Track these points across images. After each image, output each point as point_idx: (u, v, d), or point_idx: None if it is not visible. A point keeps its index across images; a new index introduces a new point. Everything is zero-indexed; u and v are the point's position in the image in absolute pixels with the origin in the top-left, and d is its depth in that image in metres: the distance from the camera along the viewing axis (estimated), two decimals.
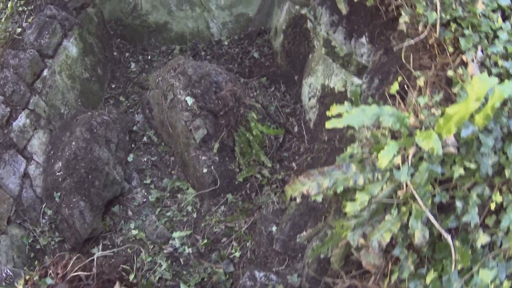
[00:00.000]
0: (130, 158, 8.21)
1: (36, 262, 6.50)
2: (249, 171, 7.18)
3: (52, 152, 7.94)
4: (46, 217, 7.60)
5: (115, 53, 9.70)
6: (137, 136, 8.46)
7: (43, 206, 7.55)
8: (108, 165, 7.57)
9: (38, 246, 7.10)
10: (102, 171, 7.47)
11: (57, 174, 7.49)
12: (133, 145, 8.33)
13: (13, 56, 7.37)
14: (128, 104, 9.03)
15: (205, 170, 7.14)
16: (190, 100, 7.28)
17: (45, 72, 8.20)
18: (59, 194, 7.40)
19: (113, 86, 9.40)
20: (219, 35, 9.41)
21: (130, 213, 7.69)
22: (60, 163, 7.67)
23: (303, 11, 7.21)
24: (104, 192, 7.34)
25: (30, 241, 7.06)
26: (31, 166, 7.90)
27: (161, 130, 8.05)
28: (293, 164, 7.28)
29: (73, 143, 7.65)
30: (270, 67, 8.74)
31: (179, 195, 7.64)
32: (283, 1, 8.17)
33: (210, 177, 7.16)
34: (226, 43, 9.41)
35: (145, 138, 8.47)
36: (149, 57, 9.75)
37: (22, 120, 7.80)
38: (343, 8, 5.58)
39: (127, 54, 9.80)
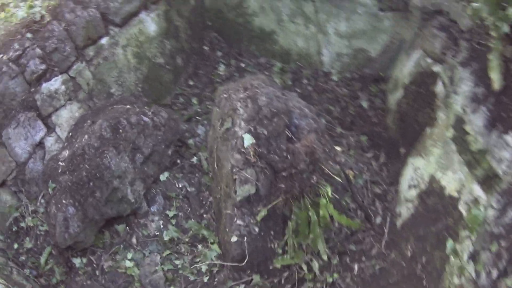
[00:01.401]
0: (164, 177, 6.29)
1: (15, 241, 5.72)
2: (294, 258, 4.98)
3: (71, 134, 6.23)
4: (45, 199, 5.92)
5: (205, 47, 7.95)
6: (187, 152, 6.61)
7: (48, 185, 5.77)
8: (121, 179, 5.75)
9: (23, 224, 5.81)
10: (108, 184, 5.68)
11: (59, 163, 5.93)
12: (178, 161, 6.49)
13: (70, 10, 6.03)
14: (198, 110, 7.20)
15: (234, 239, 5.02)
16: (248, 140, 5.00)
17: (104, 40, 6.52)
18: (54, 186, 5.78)
19: (190, 83, 7.63)
20: (330, 67, 7.26)
21: (134, 240, 5.90)
22: (67, 152, 5.94)
23: (436, 68, 5.33)
24: (105, 207, 5.67)
25: (16, 214, 5.80)
26: (50, 137, 6.25)
27: (210, 159, 5.89)
28: (355, 266, 5.04)
29: (86, 136, 5.87)
30: (376, 125, 6.63)
31: (199, 246, 5.76)
32: (414, 47, 6.00)
33: (237, 250, 5.04)
34: (335, 78, 7.23)
35: (194, 159, 6.57)
36: (242, 65, 7.78)
37: (55, 84, 6.20)
38: (496, 80, 3.71)
39: (219, 53, 7.96)
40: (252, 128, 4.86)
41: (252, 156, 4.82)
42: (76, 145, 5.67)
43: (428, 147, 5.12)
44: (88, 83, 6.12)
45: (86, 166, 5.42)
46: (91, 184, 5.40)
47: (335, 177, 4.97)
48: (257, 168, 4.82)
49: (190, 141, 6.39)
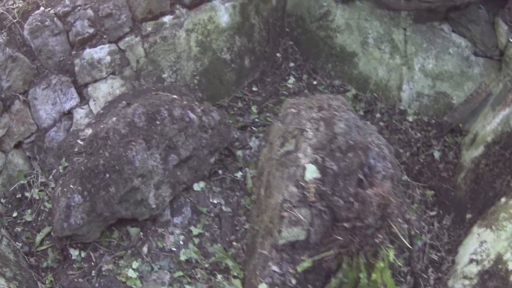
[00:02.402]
0: (198, 186, 5.16)
1: (15, 209, 4.88)
2: None
3: (102, 112, 5.20)
4: (54, 177, 5.02)
5: (278, 54, 6.83)
6: (232, 164, 5.50)
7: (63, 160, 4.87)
8: (144, 179, 4.66)
9: (28, 194, 4.92)
10: (127, 181, 4.59)
11: (78, 141, 4.89)
12: (219, 171, 5.40)
13: None
14: (255, 120, 6.12)
15: (263, 286, 3.79)
16: (312, 173, 3.74)
17: (166, 19, 5.49)
18: (66, 165, 4.74)
19: (253, 88, 6.56)
20: (407, 105, 6.18)
21: (145, 249, 4.76)
22: (89, 131, 4.91)
23: None
24: (118, 206, 4.59)
25: (24, 182, 4.90)
26: (81, 109, 5.29)
27: (257, 181, 4.68)
28: None
29: (114, 119, 4.80)
30: (445, 181, 5.45)
31: (219, 277, 4.52)
32: (504, 103, 4.95)
33: None
34: (410, 119, 6.13)
35: (239, 174, 5.43)
36: (314, 82, 6.67)
37: (101, 53, 5.19)
38: None
39: (291, 64, 6.83)
40: (319, 159, 3.80)
41: (311, 194, 3.69)
42: (101, 126, 4.83)
43: (500, 220, 4.22)
44: (138, 60, 5.36)
45: (106, 153, 4.58)
46: (107, 175, 4.50)
47: (402, 238, 3.95)
48: (314, 209, 3.70)
49: (239, 153, 5.47)
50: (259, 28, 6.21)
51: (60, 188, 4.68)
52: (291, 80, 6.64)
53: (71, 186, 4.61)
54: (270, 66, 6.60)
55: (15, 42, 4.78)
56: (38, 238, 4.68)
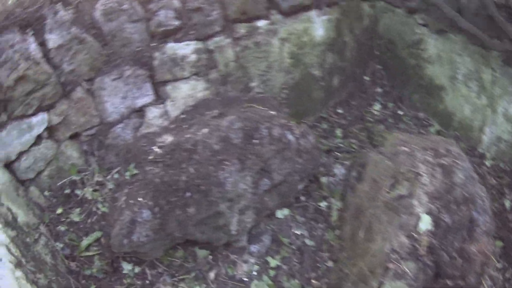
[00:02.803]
0: (282, 214, 4.20)
1: (60, 205, 4.05)
2: None
3: (183, 117, 4.27)
4: (117, 181, 4.19)
5: (366, 77, 5.89)
6: (316, 191, 4.48)
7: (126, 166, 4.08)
8: (231, 203, 3.78)
9: (79, 192, 4.13)
10: (212, 204, 3.74)
11: (155, 148, 3.95)
12: (301, 198, 4.39)
13: None
14: (339, 145, 5.17)
15: None
16: (426, 224, 3.14)
17: (261, 23, 4.59)
18: (135, 172, 3.94)
19: (339, 110, 5.58)
20: (486, 149, 5.37)
21: (211, 275, 3.91)
22: (170, 138, 3.99)
23: None
24: (194, 228, 3.82)
25: (76, 178, 4.15)
26: (155, 108, 4.36)
27: (350, 218, 3.93)
28: None
29: (206, 130, 3.86)
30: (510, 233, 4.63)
31: None
32: None
33: None
34: (488, 163, 5.32)
35: (323, 204, 4.42)
36: (400, 112, 5.78)
37: (185, 49, 4.32)
38: None
39: (378, 89, 5.94)
40: (435, 209, 3.31)
41: (423, 247, 3.23)
42: (187, 136, 3.98)
43: None
44: (227, 64, 4.58)
45: (191, 169, 3.78)
46: (188, 194, 3.75)
47: None
48: (420, 263, 3.22)
49: (323, 179, 4.62)
50: (351, 46, 5.34)
51: (124, 198, 3.78)
52: (377, 106, 5.89)
53: (140, 199, 3.72)
54: (357, 89, 5.93)
55: (83, 22, 4.07)
56: (85, 242, 3.94)
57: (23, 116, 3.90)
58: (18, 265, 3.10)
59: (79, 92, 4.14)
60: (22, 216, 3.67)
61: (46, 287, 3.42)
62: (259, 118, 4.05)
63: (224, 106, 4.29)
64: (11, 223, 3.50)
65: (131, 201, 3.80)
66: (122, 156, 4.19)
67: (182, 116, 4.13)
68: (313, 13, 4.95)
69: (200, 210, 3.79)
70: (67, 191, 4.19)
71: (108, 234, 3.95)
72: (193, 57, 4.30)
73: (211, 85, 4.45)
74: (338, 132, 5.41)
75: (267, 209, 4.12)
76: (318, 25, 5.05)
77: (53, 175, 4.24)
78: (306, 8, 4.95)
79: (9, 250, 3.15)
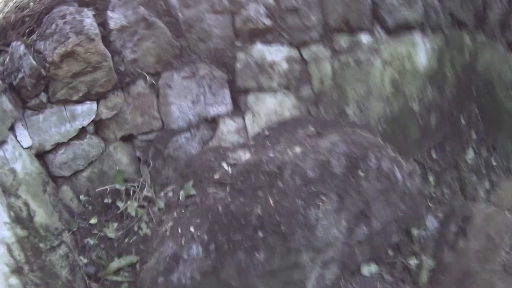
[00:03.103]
0: (367, 270, 3.23)
1: (95, 214, 3.30)
2: None
3: (267, 134, 3.30)
4: (169, 200, 3.28)
5: (462, 120, 4.73)
6: (406, 246, 3.51)
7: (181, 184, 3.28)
8: (316, 254, 2.79)
9: (120, 205, 3.29)
10: (291, 252, 2.74)
11: (224, 165, 2.95)
12: (389, 252, 3.42)
13: None
14: (433, 195, 4.08)
15: None
16: None
17: (364, 38, 3.66)
18: (192, 193, 2.95)
19: (433, 155, 4.33)
20: None
21: None
22: (246, 156, 3.02)
23: None
24: (258, 279, 2.71)
25: (121, 187, 3.31)
26: (231, 121, 3.41)
27: (445, 279, 3.06)
28: None
29: (298, 150, 2.88)
30: None
31: None
32: None
33: None
34: None
35: (412, 261, 3.48)
36: (493, 163, 4.68)
37: (276, 55, 3.42)
38: None
39: (473, 135, 4.78)
40: None
41: None
42: (271, 154, 2.97)
43: None
44: (322, 80, 3.61)
45: (271, 200, 2.72)
46: (261, 235, 2.72)
47: None
48: None
49: (415, 232, 3.67)
50: (451, 82, 4.65)
51: (171, 224, 2.88)
52: (471, 154, 4.97)
53: (192, 229, 2.80)
54: (453, 132, 4.92)
55: (154, 4, 3.35)
56: (115, 264, 3.17)
57: (67, 102, 3.31)
58: (16, 271, 2.56)
59: (140, 87, 3.50)
60: (42, 216, 3.06)
61: None
62: (368, 144, 3.03)
63: (322, 126, 3.24)
64: (23, 221, 2.91)
65: (179, 230, 2.84)
66: (180, 169, 3.35)
67: (266, 133, 3.21)
68: (418, 37, 4.20)
69: (273, 258, 2.78)
70: (107, 200, 3.47)
71: (144, 263, 3.04)
72: (284, 65, 3.40)
73: (301, 104, 3.58)
74: (432, 179, 4.49)
75: (354, 264, 3.34)
76: (422, 53, 4.26)
77: (93, 179, 3.55)
78: (410, 29, 4.06)
79: (10, 251, 2.62)
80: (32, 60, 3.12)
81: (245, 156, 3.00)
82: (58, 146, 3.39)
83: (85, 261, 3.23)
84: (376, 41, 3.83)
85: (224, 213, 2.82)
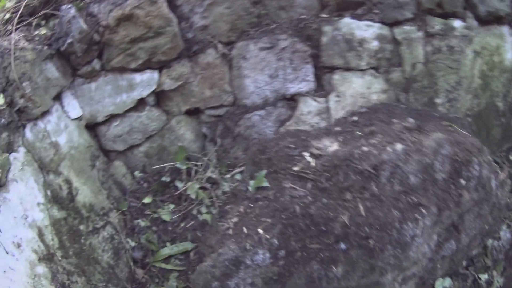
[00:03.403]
0: (441, 285, 2.55)
1: (150, 193, 2.87)
2: None
3: (355, 119, 2.59)
4: (239, 178, 2.77)
5: None
6: (479, 258, 2.86)
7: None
8: (400, 272, 2.14)
9: (179, 185, 2.83)
10: (374, 269, 2.08)
11: (305, 155, 2.28)
12: (464, 265, 2.85)
13: None
14: (508, 201, 2.95)
15: None
16: None
17: (457, 23, 2.98)
18: (263, 183, 2.33)
19: (510, 157, 3.58)
20: None
21: None
22: (331, 145, 2.30)
23: None
24: None
25: (182, 167, 2.84)
26: (313, 101, 2.80)
27: None
28: None
29: (399, 147, 2.18)
30: None
31: None
32: None
33: None
34: None
35: (483, 277, 2.85)
36: None
37: (366, 31, 2.81)
38: None
39: None
40: None
41: None
42: (364, 148, 2.25)
43: None
44: (414, 65, 2.93)
45: (361, 206, 2.05)
46: (343, 246, 2.08)
47: None
48: None
49: (489, 242, 3.00)
50: None
51: (235, 220, 2.24)
52: None
53: (260, 230, 2.12)
54: None
55: None
56: (166, 250, 2.68)
57: (123, 70, 2.77)
58: (45, 258, 2.11)
59: (210, 56, 2.88)
60: (86, 195, 2.60)
61: None
62: (470, 147, 2.34)
63: (419, 118, 2.58)
64: (62, 200, 2.44)
65: (245, 229, 2.17)
66: (251, 154, 2.61)
67: (353, 118, 2.55)
68: (505, 29, 3.37)
69: (353, 274, 2.10)
70: (165, 179, 2.90)
71: (200, 253, 2.48)
72: (374, 44, 2.78)
73: (390, 88, 2.90)
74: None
75: (431, 279, 2.60)
76: (509, 47, 3.46)
77: (152, 154, 3.00)
78: (499, 20, 3.29)
79: (41, 235, 2.17)
80: (82, 23, 2.58)
81: (332, 146, 2.28)
82: (112, 117, 2.88)
83: (133, 244, 2.72)
84: (468, 28, 3.05)
85: (302, 216, 2.14)
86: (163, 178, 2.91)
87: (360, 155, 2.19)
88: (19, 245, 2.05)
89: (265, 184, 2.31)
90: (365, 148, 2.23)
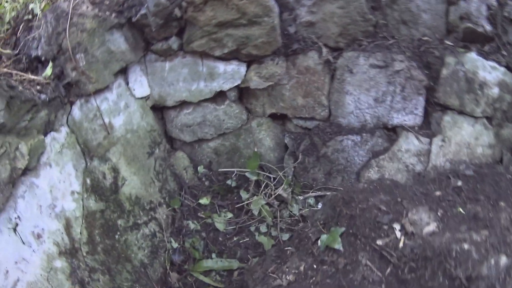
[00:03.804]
0: None
1: (207, 195, 2.55)
2: None
3: (458, 184, 2.00)
4: (311, 202, 2.44)
5: None
6: None
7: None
8: None
9: (243, 194, 2.54)
10: None
11: (394, 227, 1.70)
12: None
13: None
14: None
15: None
16: None
17: None
18: (336, 244, 1.80)
19: None
20: None
21: None
22: (431, 226, 1.68)
23: None
24: None
25: (252, 176, 2.49)
26: (414, 138, 2.36)
27: None
28: None
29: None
30: None
31: None
32: None
33: None
34: None
35: None
36: None
37: (489, 73, 2.28)
38: None
39: None
40: None
41: None
42: (464, 246, 1.66)
43: None
44: None
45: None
46: None
47: None
48: None
49: None
50: None
51: (290, 278, 1.76)
52: None
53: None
54: None
55: None
56: (209, 263, 2.34)
57: (205, 55, 2.28)
58: (67, 252, 1.81)
59: (311, 60, 2.28)
60: (134, 186, 2.21)
61: None
62: None
63: None
64: (102, 191, 2.05)
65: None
66: (334, 200, 1.99)
67: (458, 183, 2.09)
68: None
69: None
70: (231, 183, 2.50)
71: (243, 280, 2.14)
72: (494, 90, 2.34)
73: (497, 144, 2.36)
74: None
75: None
76: None
77: (221, 153, 2.54)
78: None
79: (67, 227, 1.84)
80: None
81: (428, 225, 1.75)
82: (184, 104, 2.40)
83: (175, 245, 2.31)
84: None
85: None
86: (228, 182, 2.48)
87: (458, 254, 1.79)
88: (39, 236, 1.70)
89: (338, 246, 1.78)
90: (466, 246, 1.81)
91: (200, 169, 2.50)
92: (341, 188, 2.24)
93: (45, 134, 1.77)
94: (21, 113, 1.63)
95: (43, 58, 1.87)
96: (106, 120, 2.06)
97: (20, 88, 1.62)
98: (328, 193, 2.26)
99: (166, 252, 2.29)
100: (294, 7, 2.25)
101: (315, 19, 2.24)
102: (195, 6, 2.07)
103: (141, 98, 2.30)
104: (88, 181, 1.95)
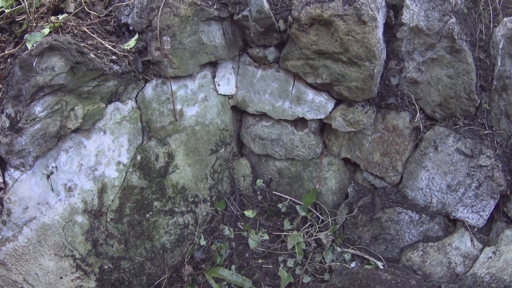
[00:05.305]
0: None
1: (255, 210, 2.62)
2: None
3: None
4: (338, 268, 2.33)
5: None
6: None
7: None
8: None
9: (287, 225, 2.53)
10: None
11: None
12: None
13: None
14: None
15: None
16: None
17: None
18: None
19: None
20: None
21: None
22: None
23: None
24: None
25: (303, 213, 2.49)
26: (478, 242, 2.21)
27: None
28: None
29: None
30: None
31: None
32: None
33: None
34: None
35: None
36: None
37: None
38: None
39: None
40: None
41: None
42: None
43: None
44: None
45: None
46: None
47: None
48: None
49: None
50: None
51: None
52: None
53: None
54: None
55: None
56: (226, 272, 2.43)
57: (298, 77, 2.23)
58: (92, 213, 1.92)
59: (401, 121, 2.18)
60: (184, 176, 2.25)
61: None
62: None
63: None
64: (149, 171, 2.10)
65: None
66: (353, 276, 1.97)
67: None
68: None
69: None
70: (281, 207, 2.52)
71: None
72: None
73: None
74: None
75: None
76: None
77: (284, 175, 2.56)
78: None
79: (101, 191, 1.92)
80: (264, 2, 1.95)
81: None
82: (264, 115, 2.35)
83: (203, 243, 2.35)
84: None
85: None
86: (279, 205, 2.47)
87: None
88: (70, 189, 1.76)
89: None
90: None
91: (259, 182, 2.47)
92: (381, 256, 2.21)
93: (109, 102, 1.78)
94: (86, 79, 1.62)
95: (131, 28, 1.85)
96: (178, 107, 2.05)
97: (91, 55, 1.58)
98: (366, 256, 2.25)
99: (192, 245, 2.32)
100: (403, 58, 2.10)
101: (420, 79, 2.08)
102: (300, 24, 1.97)
103: (224, 95, 2.27)
104: (139, 157, 1.96)
